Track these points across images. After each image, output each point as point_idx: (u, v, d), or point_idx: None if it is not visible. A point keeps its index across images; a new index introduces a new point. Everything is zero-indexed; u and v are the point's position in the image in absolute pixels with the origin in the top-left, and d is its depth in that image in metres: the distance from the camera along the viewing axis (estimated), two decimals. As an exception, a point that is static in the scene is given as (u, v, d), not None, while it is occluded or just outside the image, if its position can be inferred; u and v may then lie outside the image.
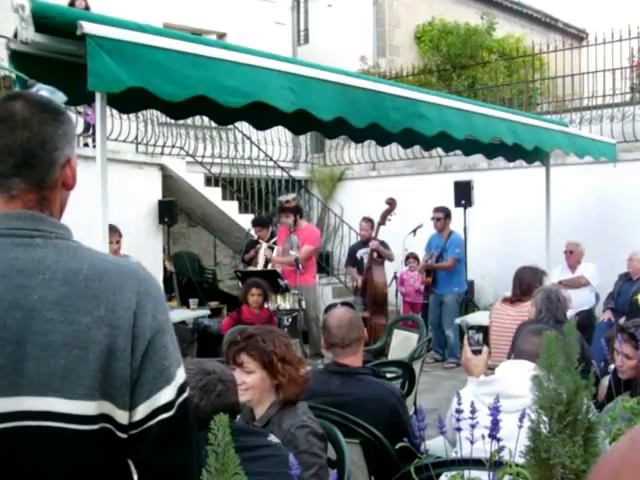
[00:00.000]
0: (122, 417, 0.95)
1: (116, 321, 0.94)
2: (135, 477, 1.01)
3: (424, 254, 6.59)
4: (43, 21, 2.48)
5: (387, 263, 6.47)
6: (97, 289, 0.95)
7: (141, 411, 0.95)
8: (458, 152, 6.06)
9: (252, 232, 6.92)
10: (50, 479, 0.93)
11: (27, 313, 0.92)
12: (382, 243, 6.34)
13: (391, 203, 6.20)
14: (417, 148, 6.80)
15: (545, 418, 1.18)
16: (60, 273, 0.94)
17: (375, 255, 6.27)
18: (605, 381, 2.71)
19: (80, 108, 6.45)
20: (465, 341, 2.32)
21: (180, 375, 0.99)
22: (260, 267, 6.28)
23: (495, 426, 1.40)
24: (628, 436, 0.47)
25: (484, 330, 3.06)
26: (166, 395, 0.96)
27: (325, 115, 3.22)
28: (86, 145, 6.73)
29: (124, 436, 0.96)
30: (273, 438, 1.66)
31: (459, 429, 1.45)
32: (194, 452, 1.01)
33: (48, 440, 0.92)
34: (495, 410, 1.38)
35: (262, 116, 4.00)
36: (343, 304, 2.90)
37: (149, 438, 0.96)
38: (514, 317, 3.72)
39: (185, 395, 1.00)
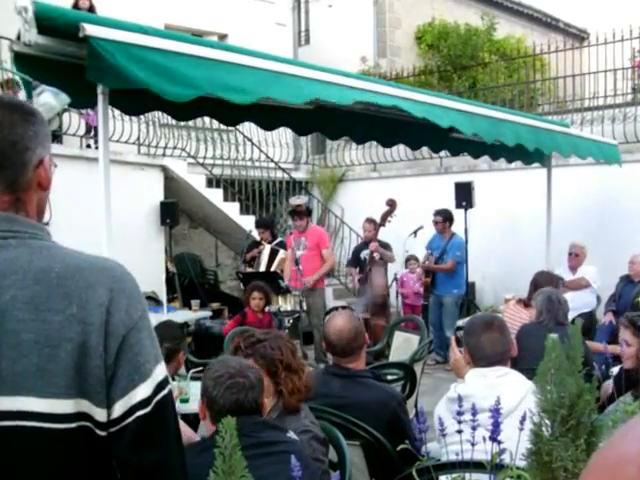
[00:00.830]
0: (100, 415, 0.95)
1: (88, 318, 0.93)
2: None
3: (425, 253, 6.60)
4: (46, 23, 2.49)
5: (389, 264, 6.47)
6: (69, 287, 0.94)
7: (118, 408, 0.95)
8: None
9: (253, 233, 6.92)
10: (30, 479, 0.93)
11: (0, 313, 0.92)
12: (384, 245, 6.34)
13: (391, 204, 6.20)
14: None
15: (547, 421, 1.18)
16: (32, 272, 0.94)
17: (376, 257, 6.26)
18: (607, 384, 2.71)
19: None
20: (452, 342, 2.31)
21: (158, 372, 0.98)
22: (262, 268, 6.28)
23: (496, 428, 1.40)
24: None
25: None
26: (142, 392, 0.95)
27: (345, 100, 3.23)
28: (88, 147, 6.74)
29: (104, 434, 0.95)
30: (292, 434, 1.67)
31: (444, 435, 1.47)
32: (173, 450, 0.99)
33: (25, 440, 0.91)
34: (496, 412, 1.39)
35: (268, 117, 4.01)
36: (344, 308, 2.87)
37: (127, 436, 0.95)
38: (525, 320, 3.72)
39: (164, 393, 0.98)
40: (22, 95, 4.43)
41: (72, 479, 0.95)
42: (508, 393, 1.80)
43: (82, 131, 6.75)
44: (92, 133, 6.74)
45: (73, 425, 0.93)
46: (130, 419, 0.95)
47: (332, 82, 3.31)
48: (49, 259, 0.96)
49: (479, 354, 2.06)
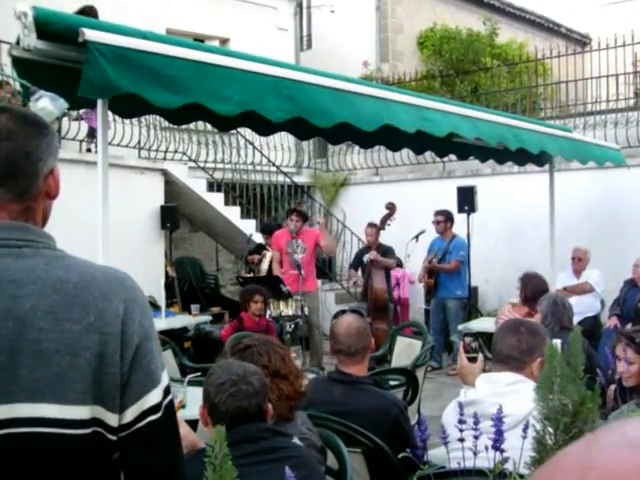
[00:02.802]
0: (112, 420, 0.98)
1: (105, 328, 0.97)
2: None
3: (425, 257, 6.54)
4: (45, 28, 2.49)
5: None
6: (86, 297, 0.98)
7: (130, 414, 0.99)
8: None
9: (253, 237, 6.91)
10: None
11: (20, 322, 0.94)
12: (386, 249, 6.31)
13: (391, 208, 6.18)
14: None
15: (550, 429, 1.16)
16: (50, 282, 0.97)
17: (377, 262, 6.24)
18: (612, 388, 2.68)
19: (82, 110, 6.45)
20: (460, 348, 2.30)
21: (165, 378, 1.03)
22: (264, 273, 6.27)
23: (499, 437, 1.38)
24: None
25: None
26: (153, 398, 1.00)
27: (325, 122, 3.20)
28: (89, 150, 6.73)
29: (114, 438, 0.99)
30: (296, 440, 1.65)
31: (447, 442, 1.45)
32: (180, 451, 1.05)
33: (42, 446, 0.94)
34: (498, 421, 1.37)
35: (265, 122, 3.99)
36: (352, 311, 2.88)
37: (138, 439, 0.99)
38: None
39: (170, 397, 1.04)
40: (19, 99, 4.43)
41: None
42: (516, 402, 1.77)
43: (82, 135, 6.73)
44: (94, 136, 6.73)
45: (88, 431, 0.96)
46: (142, 423, 0.99)
47: (332, 87, 3.29)
48: (65, 269, 0.99)
49: (493, 351, 2.08)
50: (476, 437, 1.40)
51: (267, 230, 6.69)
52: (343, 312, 2.89)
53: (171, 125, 7.43)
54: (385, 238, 6.39)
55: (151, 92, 2.48)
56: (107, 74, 2.33)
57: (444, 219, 6.40)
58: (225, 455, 0.95)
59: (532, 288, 3.93)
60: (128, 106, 3.28)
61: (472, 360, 2.24)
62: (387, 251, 6.30)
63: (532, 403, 1.84)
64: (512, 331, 2.08)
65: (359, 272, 6.60)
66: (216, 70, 2.74)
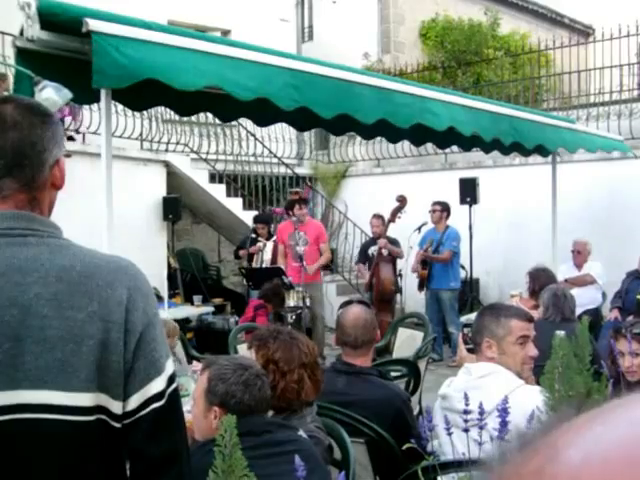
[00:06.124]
0: (116, 407, 0.99)
1: (109, 316, 0.98)
2: (128, 465, 1.05)
3: (417, 249, 6.52)
4: (49, 18, 2.48)
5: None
6: (89, 285, 0.99)
7: (134, 401, 1.00)
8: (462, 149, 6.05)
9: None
10: (48, 469, 0.97)
11: (24, 310, 0.95)
12: (392, 241, 6.31)
13: (402, 200, 6.17)
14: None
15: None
16: (54, 270, 0.98)
17: (384, 252, 6.23)
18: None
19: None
20: (460, 339, 2.31)
21: (169, 366, 1.04)
22: (268, 264, 6.29)
23: (504, 427, 1.39)
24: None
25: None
26: (157, 385, 1.01)
27: (327, 113, 3.19)
28: (70, 139, 6.63)
29: (118, 425, 1.00)
30: (302, 433, 1.66)
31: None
32: (183, 439, 1.06)
33: (46, 432, 0.95)
34: (504, 412, 1.37)
35: (264, 113, 3.98)
36: (359, 302, 2.86)
37: (142, 426, 1.00)
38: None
39: (174, 385, 1.05)
40: (11, 89, 4.41)
41: (88, 469, 0.99)
42: (483, 397, 1.76)
43: (82, 128, 6.71)
44: (72, 126, 6.70)
45: (92, 418, 0.97)
46: (145, 411, 1.00)
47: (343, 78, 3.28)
48: (69, 258, 1.00)
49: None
50: (449, 433, 1.41)
51: (261, 220, 6.73)
52: (349, 303, 2.87)
53: (173, 117, 7.42)
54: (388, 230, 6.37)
55: (170, 75, 2.46)
56: (119, 62, 2.32)
57: (441, 209, 6.42)
58: (235, 444, 0.95)
59: (541, 282, 3.93)
60: (135, 98, 3.27)
61: (471, 351, 2.25)
62: (393, 243, 6.30)
63: (498, 398, 1.83)
64: (480, 311, 2.11)
65: (366, 265, 6.60)
66: (222, 59, 2.73)
